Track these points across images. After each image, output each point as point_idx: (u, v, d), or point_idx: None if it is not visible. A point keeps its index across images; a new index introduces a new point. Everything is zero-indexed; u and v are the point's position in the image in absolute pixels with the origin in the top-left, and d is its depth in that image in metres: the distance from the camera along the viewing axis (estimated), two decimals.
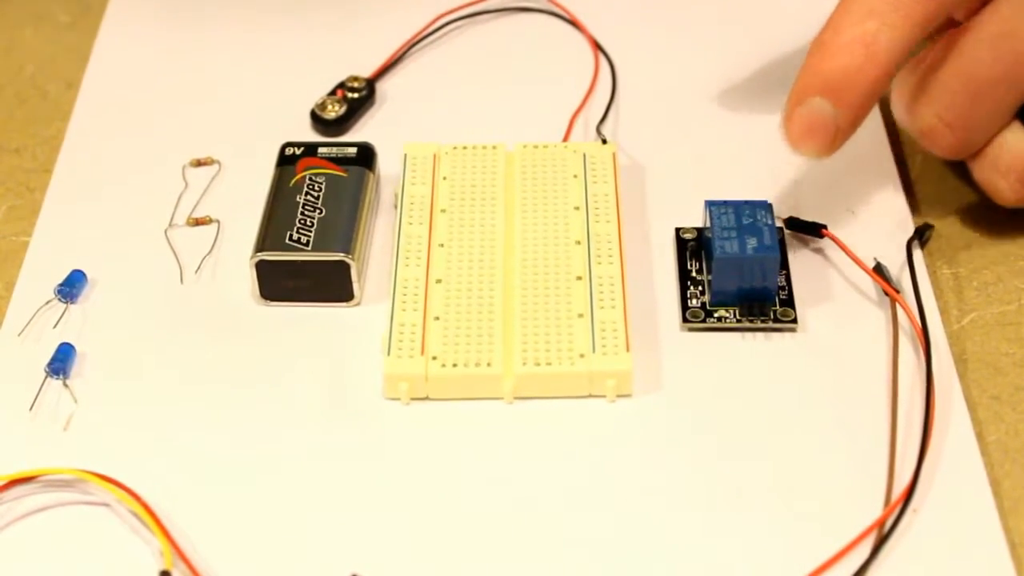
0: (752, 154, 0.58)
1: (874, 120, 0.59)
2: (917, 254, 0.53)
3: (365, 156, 0.55)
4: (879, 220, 0.54)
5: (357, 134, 0.59)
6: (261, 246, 0.52)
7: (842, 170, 0.57)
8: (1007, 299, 0.52)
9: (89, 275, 0.53)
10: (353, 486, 0.47)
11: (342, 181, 0.54)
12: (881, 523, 0.45)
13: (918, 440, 0.47)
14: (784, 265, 0.52)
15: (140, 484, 0.46)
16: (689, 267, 0.53)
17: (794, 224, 0.54)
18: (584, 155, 0.55)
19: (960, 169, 0.57)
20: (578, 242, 0.52)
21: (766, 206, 0.52)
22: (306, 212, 0.53)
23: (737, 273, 0.50)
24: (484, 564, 0.45)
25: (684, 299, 0.52)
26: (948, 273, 0.53)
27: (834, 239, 0.53)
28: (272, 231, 0.52)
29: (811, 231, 0.53)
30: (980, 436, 0.47)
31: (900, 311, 0.50)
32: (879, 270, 0.52)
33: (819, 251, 0.54)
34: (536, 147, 0.56)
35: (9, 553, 0.45)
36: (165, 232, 0.55)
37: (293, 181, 0.54)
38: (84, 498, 0.46)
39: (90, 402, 0.49)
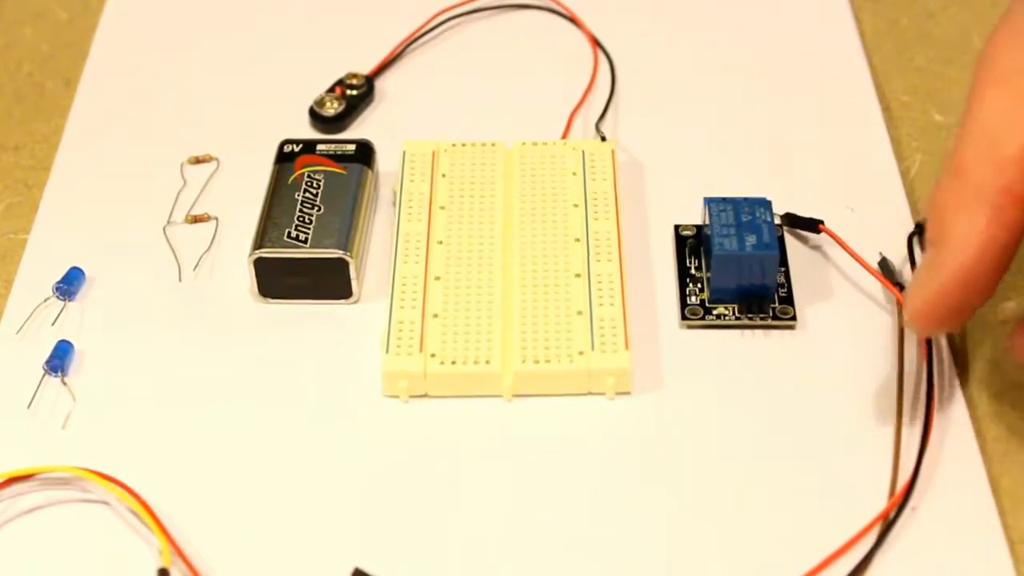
0: (751, 151, 0.58)
1: (874, 117, 0.59)
2: (917, 251, 0.53)
3: (364, 153, 0.55)
4: (879, 216, 0.54)
5: (356, 131, 0.59)
6: (260, 243, 0.51)
7: (842, 167, 0.57)
8: (1007, 296, 0.52)
9: (87, 272, 0.53)
10: (352, 483, 0.47)
11: (341, 178, 0.54)
12: (880, 519, 0.45)
13: (918, 437, 0.47)
14: (783, 262, 0.52)
15: (139, 482, 0.46)
16: (688, 264, 0.53)
17: (791, 220, 0.53)
18: (583, 152, 0.55)
19: None
20: (577, 239, 0.52)
21: (765, 203, 0.52)
22: (305, 209, 0.53)
23: (736, 270, 0.50)
24: (483, 561, 0.45)
25: (683, 296, 0.52)
26: None
27: (831, 234, 0.53)
28: (271, 228, 0.52)
29: (808, 227, 0.53)
30: (980, 433, 0.47)
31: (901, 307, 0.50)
32: (884, 265, 0.52)
33: (818, 248, 0.53)
34: (535, 144, 0.56)
35: (8, 551, 0.45)
36: (163, 229, 0.55)
37: (292, 178, 0.54)
38: (83, 496, 0.46)
39: (88, 400, 0.49)
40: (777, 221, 0.53)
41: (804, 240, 0.54)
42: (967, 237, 0.43)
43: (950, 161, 0.44)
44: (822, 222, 0.53)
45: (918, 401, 0.48)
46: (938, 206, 0.44)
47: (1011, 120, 0.43)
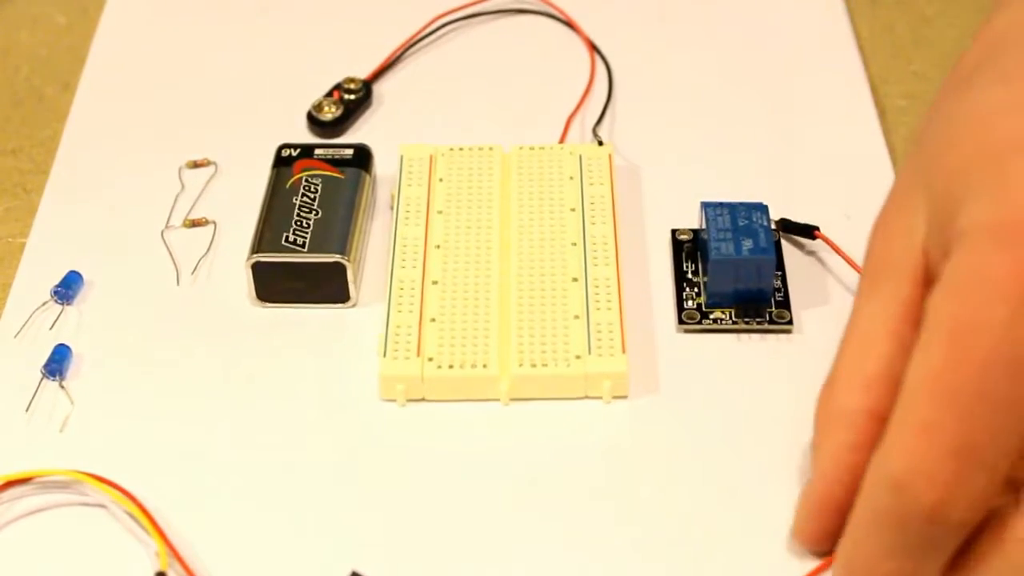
0: (748, 156, 0.58)
1: (870, 122, 0.59)
2: None
3: (361, 158, 0.55)
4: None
5: (353, 136, 0.59)
6: (257, 248, 0.52)
7: (838, 172, 0.57)
8: None
9: (85, 276, 0.53)
10: (349, 487, 0.47)
11: (338, 183, 0.54)
12: None
13: None
14: (780, 267, 0.52)
15: (136, 485, 0.46)
16: (685, 268, 0.53)
17: (787, 226, 0.54)
18: (580, 156, 0.55)
19: None
20: (574, 244, 0.52)
21: (762, 208, 0.52)
22: (302, 214, 0.53)
23: (733, 275, 0.50)
24: (480, 564, 0.45)
25: (680, 300, 0.52)
26: None
27: (827, 241, 0.53)
28: (268, 233, 0.52)
29: (804, 233, 0.53)
30: None
31: None
32: None
33: (814, 253, 0.54)
34: (532, 148, 0.56)
35: (5, 554, 0.45)
36: (161, 234, 0.55)
37: (289, 182, 0.54)
38: (80, 499, 0.46)
39: (86, 403, 0.49)
40: (773, 227, 0.53)
41: (801, 245, 0.54)
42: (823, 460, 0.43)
43: (829, 373, 0.44)
44: (817, 228, 0.53)
45: None
46: (815, 418, 0.44)
47: (878, 333, 0.42)
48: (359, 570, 0.44)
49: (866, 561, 0.40)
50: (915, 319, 0.41)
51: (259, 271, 0.51)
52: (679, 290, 0.52)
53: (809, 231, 0.53)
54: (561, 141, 0.58)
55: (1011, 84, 0.41)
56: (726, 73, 0.62)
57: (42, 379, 0.49)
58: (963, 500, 0.38)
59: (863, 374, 0.42)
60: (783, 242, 0.54)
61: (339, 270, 0.51)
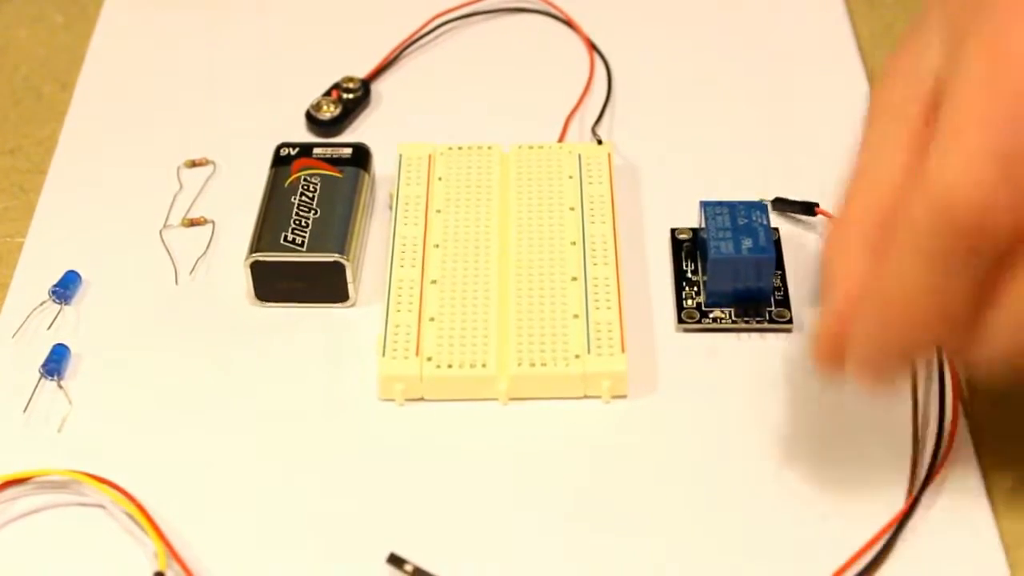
0: (747, 155, 0.58)
1: None
2: None
3: (360, 157, 0.55)
4: None
5: (352, 135, 0.59)
6: (256, 247, 0.51)
7: (838, 171, 0.57)
8: None
9: (83, 276, 0.53)
10: (348, 487, 0.47)
11: (337, 182, 0.54)
12: (896, 521, 0.45)
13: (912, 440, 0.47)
14: (779, 266, 0.52)
15: (135, 485, 0.46)
16: (684, 268, 0.53)
17: (783, 204, 0.53)
18: (579, 156, 0.55)
19: None
20: (573, 243, 0.52)
21: (761, 207, 0.52)
22: (301, 213, 0.53)
23: (732, 274, 0.50)
24: (479, 563, 0.45)
25: (679, 300, 0.52)
26: None
27: (830, 216, 0.53)
28: (267, 232, 0.52)
29: (804, 211, 0.53)
30: (974, 432, 0.47)
31: None
32: None
33: (815, 252, 0.53)
34: (531, 148, 0.56)
35: (4, 554, 0.45)
36: (160, 233, 0.55)
37: (288, 182, 0.54)
38: (78, 499, 0.46)
39: (84, 403, 0.49)
40: (769, 206, 0.53)
41: (800, 244, 0.54)
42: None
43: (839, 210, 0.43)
44: (817, 204, 0.53)
45: (917, 407, 0.48)
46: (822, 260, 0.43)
47: (891, 162, 0.42)
48: (364, 566, 0.44)
49: (903, 292, 0.40)
50: (925, 146, 0.40)
51: (258, 270, 0.51)
52: (678, 289, 0.52)
53: (810, 208, 0.53)
54: (560, 140, 0.58)
55: None
56: (726, 72, 0.61)
57: (40, 379, 0.49)
58: (1004, 206, 0.38)
59: (876, 209, 0.42)
60: (783, 240, 0.54)
61: (338, 269, 0.51)
